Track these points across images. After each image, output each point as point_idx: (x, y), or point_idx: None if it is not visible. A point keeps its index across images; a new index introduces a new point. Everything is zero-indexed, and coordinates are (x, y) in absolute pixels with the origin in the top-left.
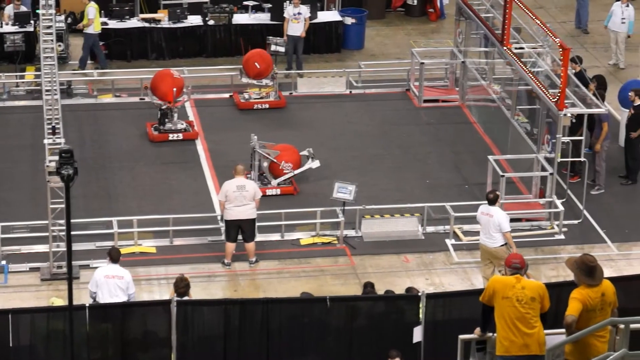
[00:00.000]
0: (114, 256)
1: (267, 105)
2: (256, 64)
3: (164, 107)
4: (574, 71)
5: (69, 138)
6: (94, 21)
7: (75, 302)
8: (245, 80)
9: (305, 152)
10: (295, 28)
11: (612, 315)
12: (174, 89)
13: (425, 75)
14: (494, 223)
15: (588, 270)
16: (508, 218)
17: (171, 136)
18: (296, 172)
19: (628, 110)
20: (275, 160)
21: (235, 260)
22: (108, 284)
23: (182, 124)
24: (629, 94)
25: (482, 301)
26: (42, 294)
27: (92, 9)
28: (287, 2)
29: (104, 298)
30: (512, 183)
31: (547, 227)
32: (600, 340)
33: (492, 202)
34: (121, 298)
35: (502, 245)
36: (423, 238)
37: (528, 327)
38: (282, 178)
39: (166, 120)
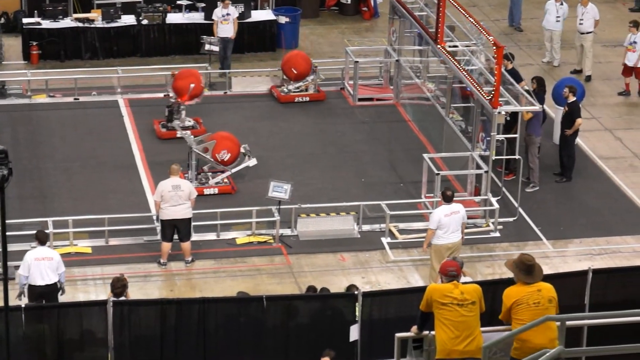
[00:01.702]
0: (41, 238)
1: (307, 98)
2: (293, 69)
3: (171, 103)
4: (506, 68)
5: (3, 139)
6: None
7: (11, 303)
8: (286, 83)
9: (241, 150)
10: (225, 29)
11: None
12: (191, 85)
13: (360, 73)
14: (461, 217)
15: (526, 269)
16: None
17: (179, 133)
18: (233, 170)
19: (562, 108)
20: (208, 158)
21: (171, 259)
22: (39, 266)
23: (190, 121)
24: (564, 90)
25: (421, 309)
26: None
27: None
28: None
29: (35, 280)
30: (447, 181)
31: (482, 225)
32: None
33: (452, 199)
34: (52, 279)
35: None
36: (359, 236)
37: (469, 330)
38: (220, 177)
39: (174, 117)
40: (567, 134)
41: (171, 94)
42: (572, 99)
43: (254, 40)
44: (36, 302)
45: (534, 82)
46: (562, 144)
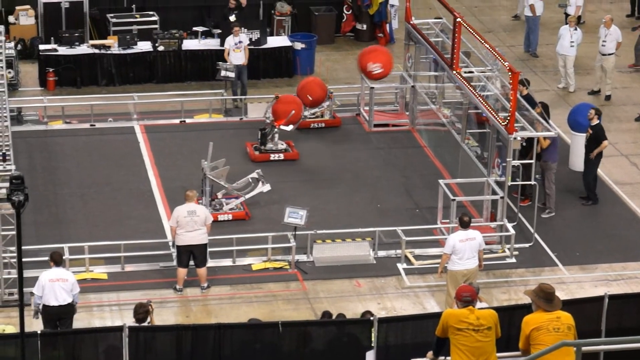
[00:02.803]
0: (56, 259)
1: (323, 124)
2: (308, 96)
3: (265, 126)
4: (522, 94)
5: (19, 165)
6: None
7: (27, 329)
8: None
9: (255, 175)
10: (238, 57)
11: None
12: (292, 112)
13: (375, 99)
14: (478, 244)
15: (546, 297)
16: None
17: (272, 156)
18: (247, 196)
19: (577, 134)
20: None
21: (187, 285)
22: (53, 287)
23: (283, 144)
24: (589, 111)
25: (437, 335)
26: None
27: None
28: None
29: (49, 301)
30: (463, 207)
31: (498, 251)
32: None
33: (468, 225)
34: (67, 300)
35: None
36: (374, 262)
37: (485, 356)
38: (234, 203)
39: (267, 140)
40: (592, 157)
41: (268, 116)
42: (596, 121)
43: (269, 67)
44: (51, 324)
45: (538, 107)
46: (587, 167)
